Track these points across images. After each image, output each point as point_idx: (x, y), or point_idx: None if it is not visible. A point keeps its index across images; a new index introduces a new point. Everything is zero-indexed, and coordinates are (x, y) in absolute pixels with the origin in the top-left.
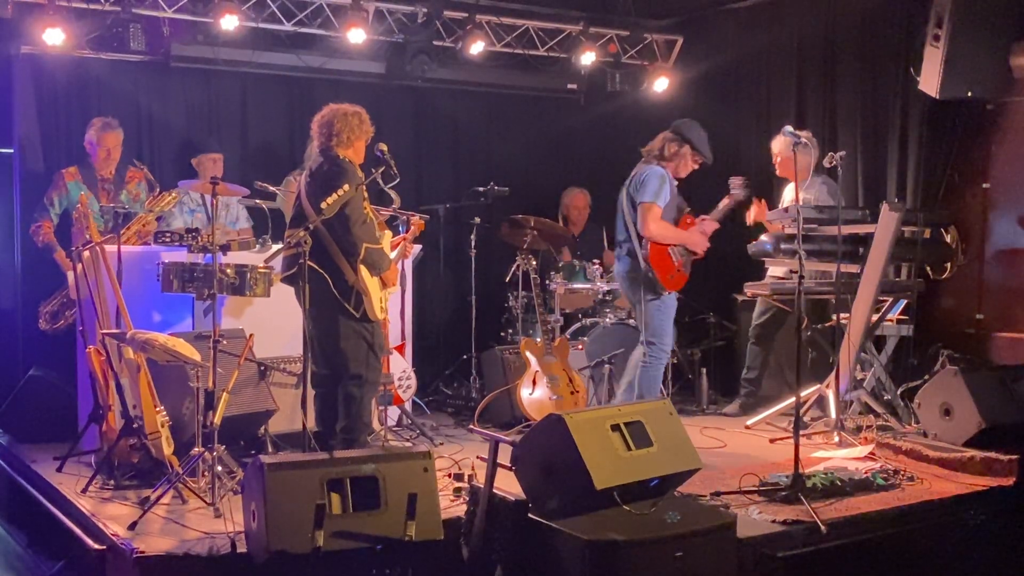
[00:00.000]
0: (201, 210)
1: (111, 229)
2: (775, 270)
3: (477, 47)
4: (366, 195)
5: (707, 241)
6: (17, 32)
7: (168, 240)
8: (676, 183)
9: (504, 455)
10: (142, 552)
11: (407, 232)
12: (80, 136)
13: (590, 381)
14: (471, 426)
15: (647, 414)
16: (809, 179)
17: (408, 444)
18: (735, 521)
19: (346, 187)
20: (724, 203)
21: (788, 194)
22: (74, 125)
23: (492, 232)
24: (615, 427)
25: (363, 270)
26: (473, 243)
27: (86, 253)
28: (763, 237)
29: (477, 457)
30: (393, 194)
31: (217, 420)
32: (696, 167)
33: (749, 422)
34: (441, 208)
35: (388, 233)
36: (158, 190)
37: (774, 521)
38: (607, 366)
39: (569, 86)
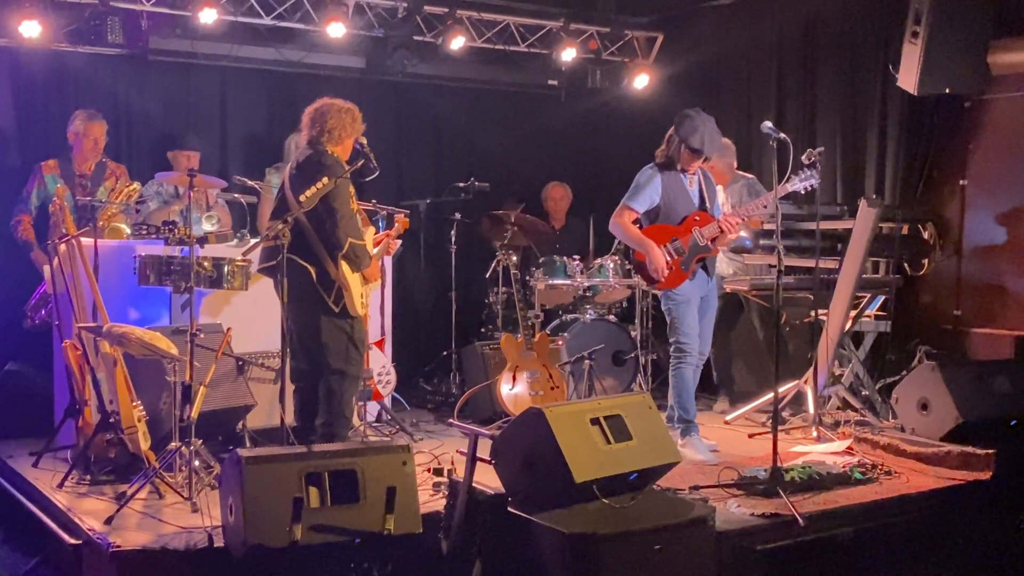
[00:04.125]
0: (175, 201)
1: (85, 223)
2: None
3: (458, 42)
4: (353, 191)
5: (664, 268)
6: None
7: (145, 233)
8: (692, 177)
9: (484, 449)
10: (118, 547)
11: (391, 229)
12: (57, 129)
13: (570, 376)
14: (451, 421)
15: (626, 408)
16: (731, 181)
17: (387, 439)
18: (714, 514)
19: (325, 180)
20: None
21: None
22: (51, 119)
23: (472, 228)
24: (595, 421)
25: (344, 265)
26: (453, 239)
27: (62, 247)
28: (742, 232)
29: (457, 451)
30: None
31: (194, 414)
32: (695, 160)
33: (728, 417)
34: (422, 203)
35: (371, 229)
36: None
37: (753, 514)
38: (587, 362)
39: (550, 82)
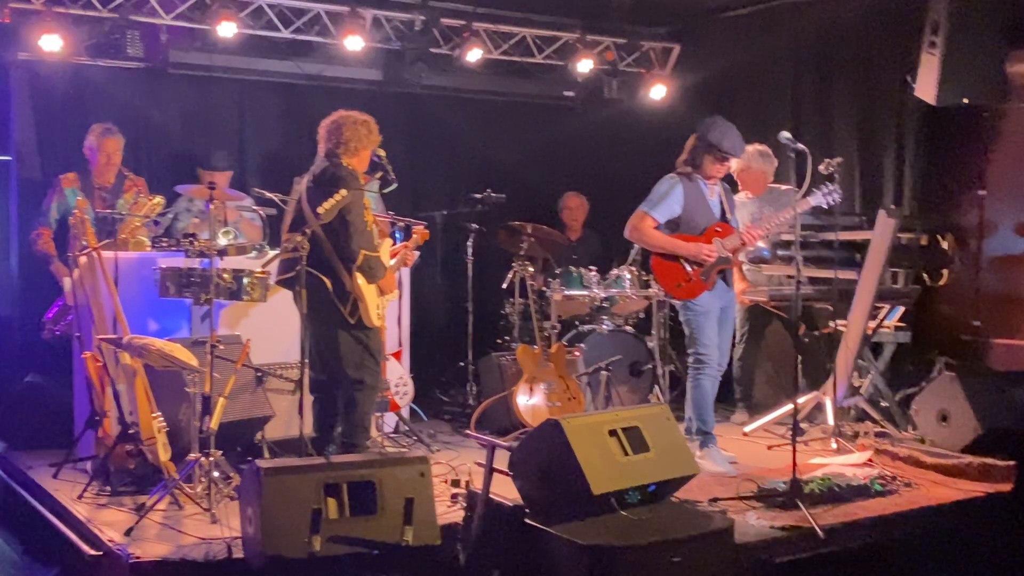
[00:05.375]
0: (204, 217)
1: (105, 235)
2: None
3: (474, 55)
4: (368, 203)
5: (711, 249)
6: (14, 38)
7: (165, 245)
8: (713, 187)
9: (501, 461)
10: (138, 558)
11: (408, 240)
12: (77, 143)
13: (587, 388)
14: (468, 432)
15: (644, 419)
16: (766, 191)
17: (405, 451)
18: (733, 526)
19: (343, 192)
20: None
21: (746, 208)
22: (71, 132)
23: (489, 239)
24: (612, 432)
25: (359, 277)
26: (470, 250)
27: (83, 259)
28: (760, 243)
29: (474, 463)
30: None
31: (214, 425)
32: (722, 165)
33: (747, 429)
34: (438, 215)
35: (388, 241)
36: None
37: (772, 527)
38: (604, 373)
39: (566, 93)
